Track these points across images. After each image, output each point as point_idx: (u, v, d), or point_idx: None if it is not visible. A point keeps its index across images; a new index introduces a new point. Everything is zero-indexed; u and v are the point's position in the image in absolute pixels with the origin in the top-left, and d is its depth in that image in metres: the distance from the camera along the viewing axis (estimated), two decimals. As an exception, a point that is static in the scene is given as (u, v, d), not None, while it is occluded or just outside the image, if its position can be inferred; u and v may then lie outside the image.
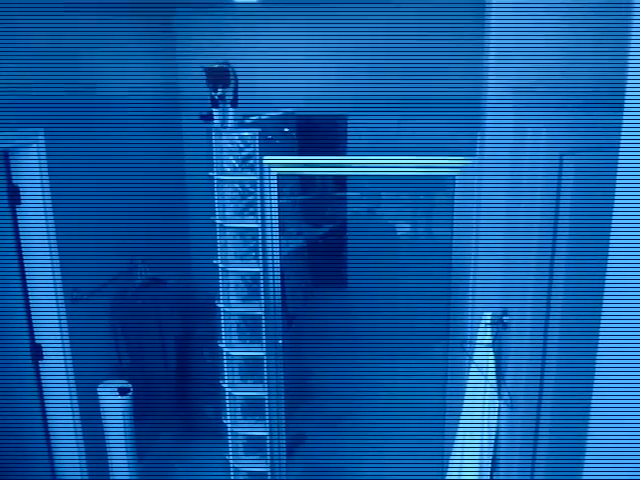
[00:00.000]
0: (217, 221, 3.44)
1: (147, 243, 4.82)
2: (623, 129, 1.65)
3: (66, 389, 3.87)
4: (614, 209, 1.70)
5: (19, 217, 3.62)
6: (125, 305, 4.58)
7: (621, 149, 1.66)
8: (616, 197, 1.69)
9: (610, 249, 1.72)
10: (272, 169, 3.27)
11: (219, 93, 3.29)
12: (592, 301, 1.84)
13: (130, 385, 3.93)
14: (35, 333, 3.80)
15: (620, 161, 1.66)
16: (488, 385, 2.96)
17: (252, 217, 3.40)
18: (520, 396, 2.92)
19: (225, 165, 3.39)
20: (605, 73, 2.00)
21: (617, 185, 1.68)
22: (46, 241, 3.64)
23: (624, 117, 1.64)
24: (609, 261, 1.73)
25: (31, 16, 3.47)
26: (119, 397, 3.84)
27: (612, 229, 1.71)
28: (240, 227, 3.46)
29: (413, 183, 5.66)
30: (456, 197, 3.10)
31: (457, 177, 3.06)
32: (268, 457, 3.72)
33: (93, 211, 4.10)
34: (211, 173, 3.38)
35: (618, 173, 1.67)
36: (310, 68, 5.70)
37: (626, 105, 1.64)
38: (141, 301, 4.68)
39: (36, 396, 3.88)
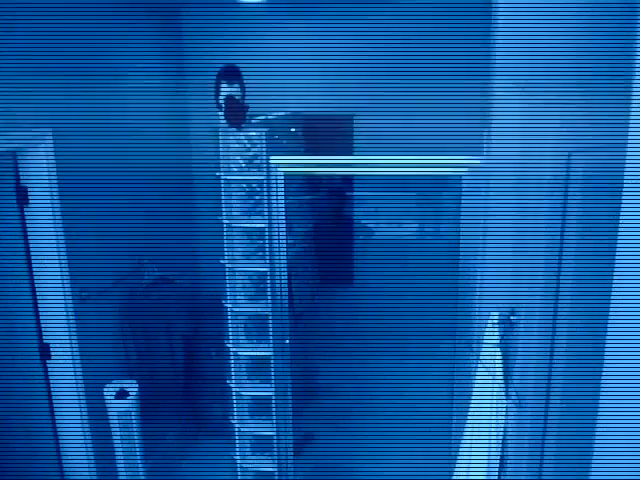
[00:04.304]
0: (224, 221, 3.45)
1: (155, 243, 4.82)
2: (630, 127, 1.65)
3: (74, 389, 3.88)
4: (622, 207, 1.70)
5: (27, 218, 3.63)
6: (133, 305, 4.58)
7: (629, 147, 1.66)
8: (624, 195, 1.68)
9: (618, 248, 1.72)
10: (279, 169, 3.27)
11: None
12: (600, 300, 1.83)
13: (133, 387, 3.93)
14: (43, 333, 3.81)
15: (627, 159, 1.66)
16: (495, 385, 2.96)
17: (259, 217, 3.40)
18: (528, 396, 2.92)
19: (232, 165, 3.40)
20: (612, 72, 1.99)
21: (625, 183, 1.67)
22: (54, 241, 3.65)
23: (631, 115, 1.64)
24: (617, 260, 1.73)
25: (38, 17, 3.48)
26: (119, 400, 3.85)
27: (620, 227, 1.71)
28: (247, 227, 3.47)
29: (420, 182, 5.66)
30: (463, 196, 3.09)
31: (464, 176, 3.06)
32: (275, 456, 3.72)
33: (101, 211, 4.11)
34: (218, 173, 3.39)
35: (625, 171, 1.67)
36: (317, 68, 5.70)
37: (633, 103, 1.63)
38: (149, 301, 4.69)
39: (44, 395, 3.89)
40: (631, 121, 1.64)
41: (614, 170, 1.73)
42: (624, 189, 1.68)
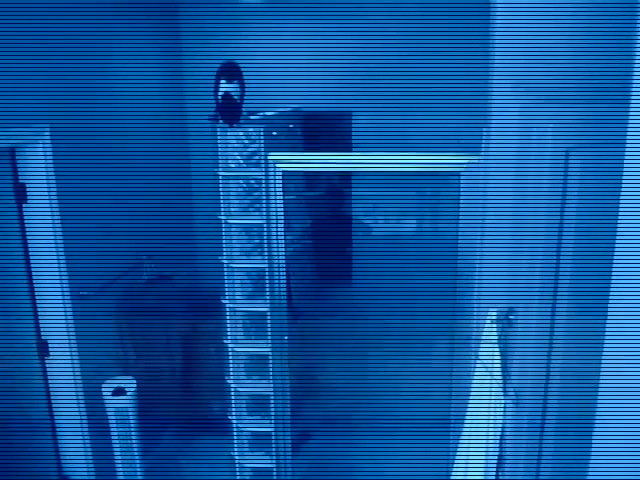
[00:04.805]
0: (222, 218, 3.44)
1: (153, 240, 4.82)
2: (629, 125, 1.64)
3: (72, 386, 3.88)
4: (620, 205, 1.69)
5: (25, 215, 3.63)
6: (131, 302, 4.58)
7: (627, 145, 1.66)
8: (622, 193, 1.68)
9: (616, 245, 1.72)
10: (277, 166, 3.27)
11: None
12: (598, 298, 1.83)
13: (131, 384, 3.93)
14: (41, 330, 3.81)
15: (626, 157, 1.66)
16: (494, 383, 2.96)
17: (257, 214, 3.40)
18: (526, 394, 2.92)
19: (230, 162, 3.39)
20: (611, 69, 1.99)
21: (623, 181, 1.67)
22: (52, 239, 3.65)
23: (630, 113, 1.64)
24: (615, 258, 1.73)
25: (37, 15, 3.47)
26: (119, 396, 3.85)
27: (618, 225, 1.71)
28: (245, 224, 3.46)
29: (419, 180, 5.66)
30: (462, 194, 3.09)
31: (463, 174, 3.06)
32: (273, 454, 3.72)
33: (99, 209, 4.11)
34: (216, 170, 3.38)
35: (624, 169, 1.66)
36: (316, 65, 5.70)
37: (632, 101, 1.63)
38: (147, 298, 4.69)
39: (43, 393, 3.89)
40: (630, 118, 1.64)
41: (612, 168, 1.72)
42: (622, 187, 1.67)
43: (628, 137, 1.65)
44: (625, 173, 1.66)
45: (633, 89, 1.63)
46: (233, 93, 3.30)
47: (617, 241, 1.71)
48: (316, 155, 3.32)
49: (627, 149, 1.65)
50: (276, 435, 3.69)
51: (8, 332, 3.73)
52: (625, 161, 1.66)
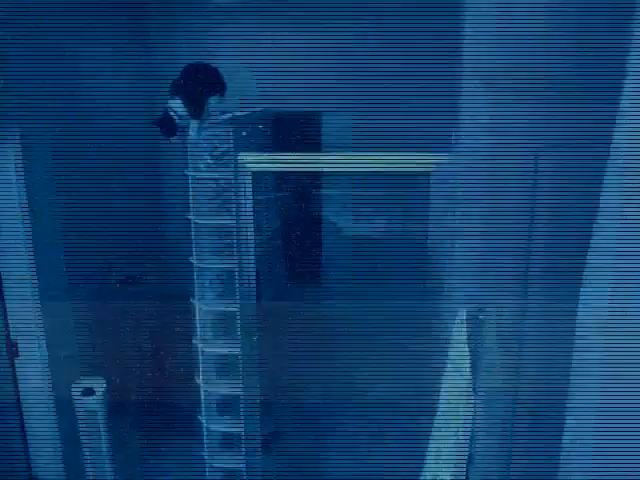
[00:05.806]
0: (192, 219, 3.43)
1: (122, 241, 4.78)
2: (617, 126, 1.66)
3: (42, 386, 3.85)
4: (598, 205, 1.71)
5: (-8, 215, 3.60)
6: (101, 303, 4.55)
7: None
8: (603, 193, 1.70)
9: (591, 245, 1.73)
10: (247, 166, 3.26)
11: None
12: (568, 297, 1.85)
13: (100, 385, 3.91)
14: (11, 331, 3.77)
15: (611, 156, 1.67)
16: (463, 382, 2.97)
17: (227, 215, 3.39)
18: (496, 393, 2.94)
19: (200, 162, 3.38)
20: (583, 69, 2.01)
21: (605, 180, 1.69)
22: (20, 238, 3.61)
23: (617, 116, 1.65)
24: (588, 258, 1.74)
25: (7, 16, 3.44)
26: (89, 397, 3.83)
27: (594, 225, 1.72)
28: (215, 225, 3.45)
29: (389, 180, 5.67)
30: (431, 194, 3.10)
31: (432, 174, 3.07)
32: (243, 454, 3.71)
33: (68, 209, 4.07)
34: (186, 171, 3.37)
35: (606, 167, 1.68)
36: (284, 66, 5.69)
37: (622, 104, 1.65)
38: (117, 298, 4.65)
39: (12, 394, 3.86)
40: (617, 120, 1.66)
41: (583, 168, 1.74)
42: (605, 187, 1.69)
43: (614, 138, 1.67)
44: (608, 174, 1.68)
45: (608, 90, 1.64)
46: (172, 110, 3.27)
47: (592, 240, 1.73)
48: (286, 155, 3.32)
49: (611, 149, 1.67)
50: (246, 436, 3.68)
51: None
52: (609, 160, 1.67)
